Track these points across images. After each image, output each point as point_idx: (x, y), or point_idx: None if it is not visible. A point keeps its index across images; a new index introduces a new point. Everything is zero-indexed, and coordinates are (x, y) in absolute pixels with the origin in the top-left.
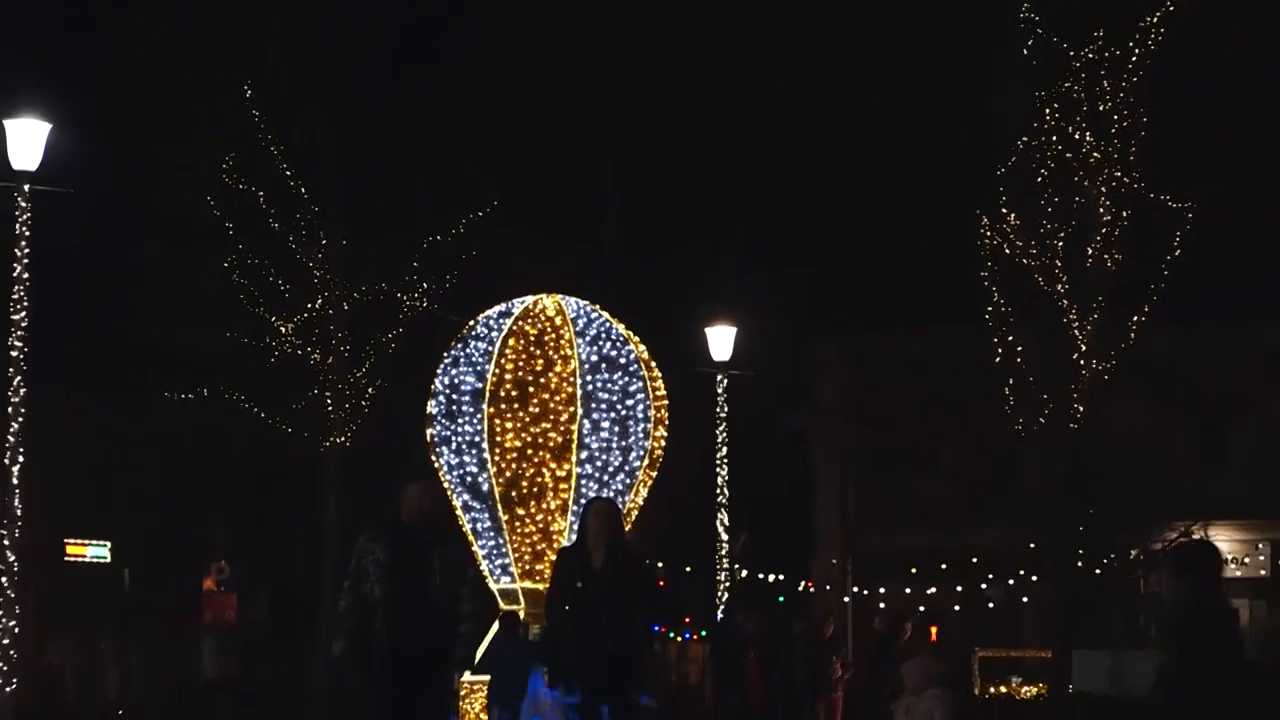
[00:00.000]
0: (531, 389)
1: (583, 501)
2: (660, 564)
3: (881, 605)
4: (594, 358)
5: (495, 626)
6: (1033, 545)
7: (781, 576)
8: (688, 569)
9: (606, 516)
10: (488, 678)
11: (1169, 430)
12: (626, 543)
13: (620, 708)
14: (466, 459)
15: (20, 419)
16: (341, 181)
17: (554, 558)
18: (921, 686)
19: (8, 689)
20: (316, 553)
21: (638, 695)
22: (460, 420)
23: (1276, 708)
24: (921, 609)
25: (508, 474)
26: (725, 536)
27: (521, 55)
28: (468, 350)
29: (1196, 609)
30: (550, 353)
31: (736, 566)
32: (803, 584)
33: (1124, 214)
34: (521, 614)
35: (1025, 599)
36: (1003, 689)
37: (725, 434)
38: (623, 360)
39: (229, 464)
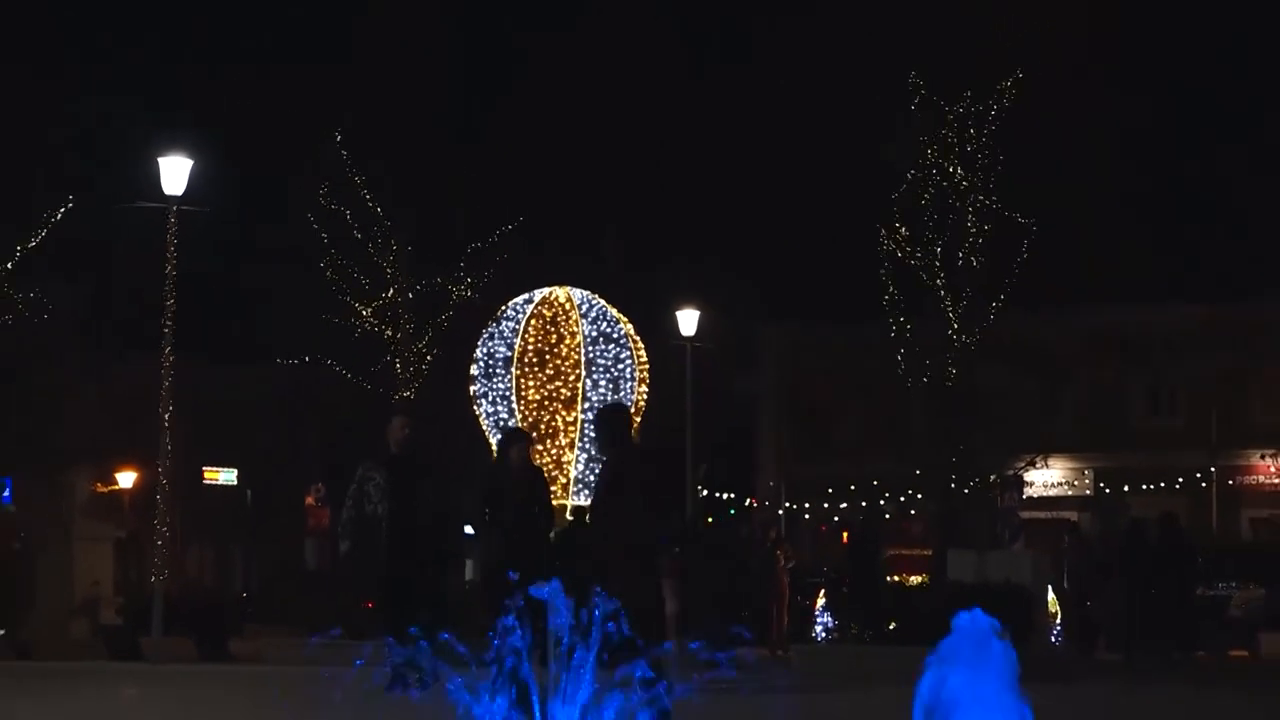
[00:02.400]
0: (548, 356)
1: (588, 440)
2: None
3: (806, 517)
4: (594, 333)
5: None
6: (918, 472)
7: (732, 495)
8: None
9: (526, 447)
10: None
11: (1018, 387)
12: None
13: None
14: (499, 408)
15: (170, 379)
16: (410, 203)
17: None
18: None
19: (160, 578)
20: None
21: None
22: (495, 380)
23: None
24: (836, 519)
25: (530, 420)
26: (690, 466)
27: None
28: (500, 328)
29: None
30: (561, 329)
31: (699, 487)
32: (748, 500)
33: (986, 227)
34: None
35: (913, 512)
36: (896, 578)
37: (691, 391)
38: (615, 335)
39: (325, 412)
